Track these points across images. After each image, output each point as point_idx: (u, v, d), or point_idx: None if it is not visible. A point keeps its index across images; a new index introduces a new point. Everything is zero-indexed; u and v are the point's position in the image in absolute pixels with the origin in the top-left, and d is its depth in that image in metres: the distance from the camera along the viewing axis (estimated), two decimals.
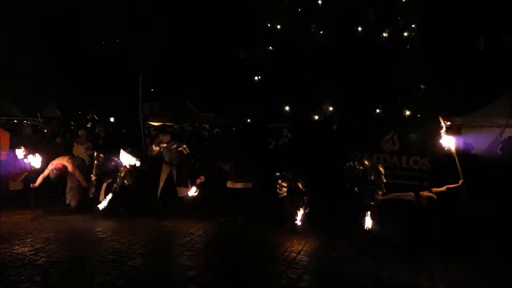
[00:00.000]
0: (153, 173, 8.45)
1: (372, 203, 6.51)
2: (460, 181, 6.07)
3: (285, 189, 7.13)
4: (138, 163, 7.84)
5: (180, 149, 8.08)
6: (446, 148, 6.31)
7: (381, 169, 6.94)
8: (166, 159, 7.99)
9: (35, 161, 7.85)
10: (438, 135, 6.45)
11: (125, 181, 7.77)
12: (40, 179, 7.77)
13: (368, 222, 6.40)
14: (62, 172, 7.83)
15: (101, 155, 8.00)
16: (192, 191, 7.56)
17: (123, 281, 4.75)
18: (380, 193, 6.60)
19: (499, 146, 11.28)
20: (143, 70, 13.59)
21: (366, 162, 6.90)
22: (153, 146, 8.22)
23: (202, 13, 25.01)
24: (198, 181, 7.54)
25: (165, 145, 8.10)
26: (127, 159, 7.72)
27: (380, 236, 6.56)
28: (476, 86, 17.31)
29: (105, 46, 26.55)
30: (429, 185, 6.81)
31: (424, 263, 5.56)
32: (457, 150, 6.32)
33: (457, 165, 6.12)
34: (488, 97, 14.08)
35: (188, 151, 8.10)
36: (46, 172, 7.81)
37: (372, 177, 6.67)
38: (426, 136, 8.60)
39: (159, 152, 8.06)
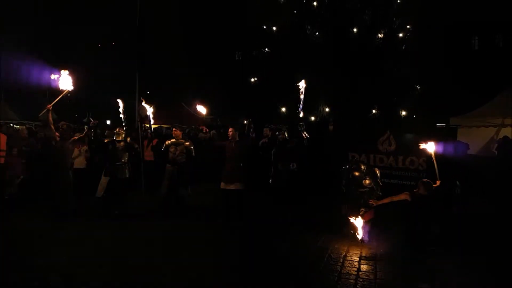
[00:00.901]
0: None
1: (367, 208, 6.52)
2: (438, 182, 6.11)
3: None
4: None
5: (187, 144, 8.06)
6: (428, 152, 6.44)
7: (377, 172, 6.95)
8: (170, 155, 7.97)
9: None
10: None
11: (125, 175, 7.80)
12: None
13: (360, 234, 6.43)
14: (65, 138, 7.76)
15: (121, 131, 8.01)
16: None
17: (120, 284, 4.75)
18: (375, 198, 6.62)
19: (495, 146, 11.36)
20: (140, 72, 13.57)
21: (362, 167, 6.89)
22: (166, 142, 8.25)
23: (198, 15, 25.01)
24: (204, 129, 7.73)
25: (174, 140, 8.09)
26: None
27: (379, 235, 6.60)
28: (472, 86, 17.39)
29: (101, 47, 26.54)
30: None
31: (423, 262, 5.57)
32: (436, 154, 6.42)
33: (435, 167, 6.26)
34: (483, 97, 14.15)
35: (194, 154, 8.09)
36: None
37: (367, 181, 6.69)
38: (422, 136, 8.65)
39: (167, 146, 8.05)
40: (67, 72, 7.48)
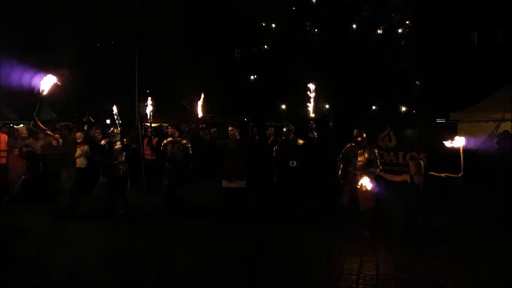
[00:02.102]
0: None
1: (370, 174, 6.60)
2: (460, 174, 6.12)
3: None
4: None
5: (184, 142, 8.06)
6: (456, 147, 6.35)
7: (375, 151, 6.96)
8: (168, 153, 7.99)
9: None
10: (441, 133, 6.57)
11: (121, 173, 7.81)
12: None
13: (368, 184, 6.40)
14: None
15: (116, 131, 8.05)
16: None
17: (124, 283, 4.76)
18: (378, 170, 6.71)
19: (495, 140, 11.36)
20: (140, 70, 13.56)
21: (364, 135, 6.91)
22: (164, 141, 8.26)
23: (197, 12, 24.94)
24: (203, 131, 7.74)
25: (170, 138, 8.11)
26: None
27: (380, 229, 6.62)
28: (472, 82, 17.38)
29: (100, 47, 26.49)
30: None
31: (424, 256, 5.59)
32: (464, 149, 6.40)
33: (460, 159, 6.20)
34: (483, 92, 14.13)
35: (191, 152, 8.10)
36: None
37: (366, 155, 6.76)
38: (422, 132, 8.66)
39: (165, 145, 8.07)
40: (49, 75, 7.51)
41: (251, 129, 7.76)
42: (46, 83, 7.48)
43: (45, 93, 7.58)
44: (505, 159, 10.02)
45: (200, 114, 8.39)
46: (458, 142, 6.34)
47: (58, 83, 7.55)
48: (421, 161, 6.38)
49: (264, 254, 5.78)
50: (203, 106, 8.43)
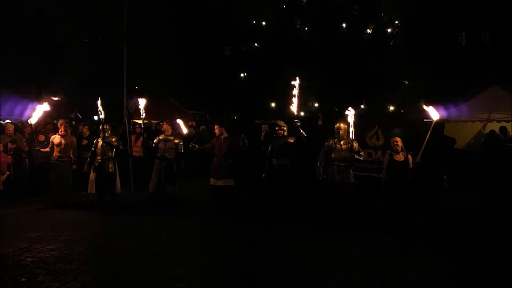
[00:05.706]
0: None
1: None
2: (418, 158, 6.43)
3: None
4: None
5: (177, 141, 8.03)
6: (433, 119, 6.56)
7: (355, 145, 7.05)
8: (160, 151, 7.94)
9: None
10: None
11: (109, 169, 7.77)
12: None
13: None
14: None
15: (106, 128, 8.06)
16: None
17: (109, 280, 4.73)
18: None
19: (482, 140, 11.50)
20: (128, 66, 13.42)
21: (346, 126, 7.08)
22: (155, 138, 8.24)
23: (187, 10, 24.81)
24: (192, 145, 7.87)
25: (162, 136, 8.06)
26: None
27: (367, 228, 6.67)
28: (459, 82, 17.54)
29: (88, 43, 26.17)
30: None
31: (412, 256, 5.65)
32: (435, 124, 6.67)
33: (424, 143, 6.42)
34: (470, 92, 14.28)
35: (182, 150, 8.06)
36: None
37: (355, 145, 6.95)
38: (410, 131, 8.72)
39: (156, 143, 8.02)
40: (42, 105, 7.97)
41: (242, 140, 7.63)
42: (37, 112, 7.89)
43: (34, 122, 8.03)
44: (491, 159, 10.15)
45: (185, 130, 8.44)
46: (433, 114, 6.58)
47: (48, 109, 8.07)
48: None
49: (250, 250, 5.77)
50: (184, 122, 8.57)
